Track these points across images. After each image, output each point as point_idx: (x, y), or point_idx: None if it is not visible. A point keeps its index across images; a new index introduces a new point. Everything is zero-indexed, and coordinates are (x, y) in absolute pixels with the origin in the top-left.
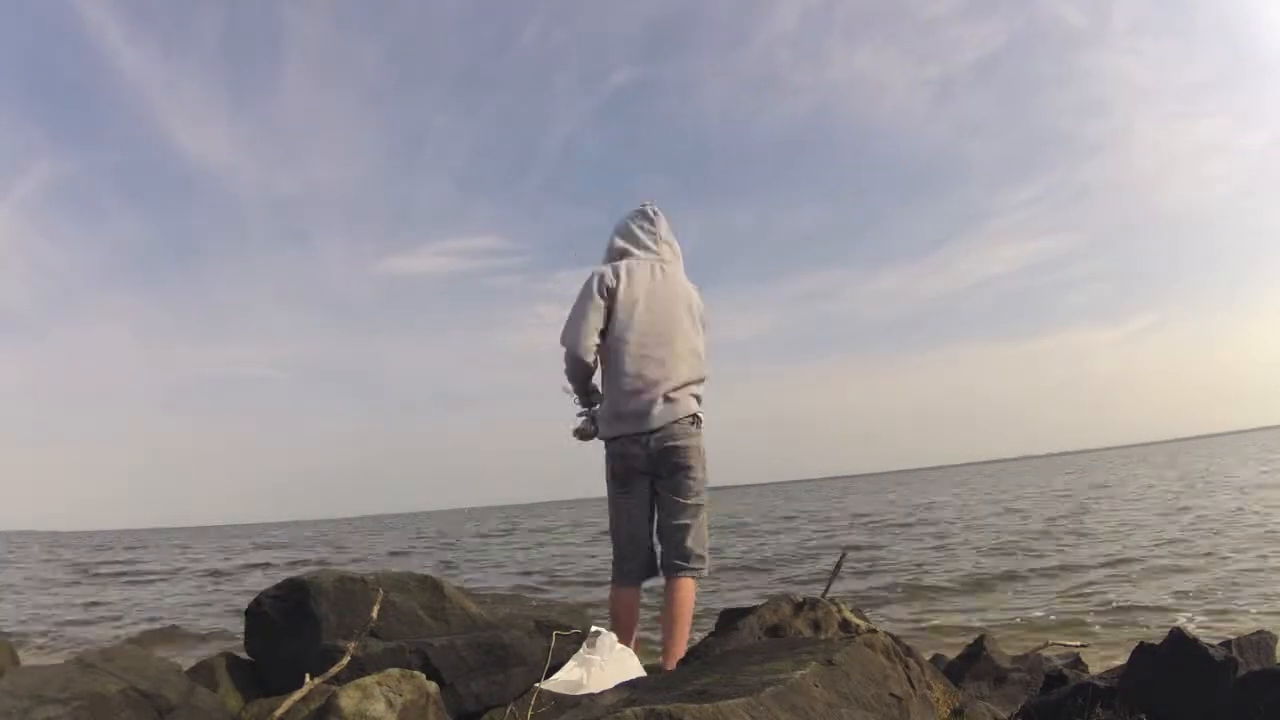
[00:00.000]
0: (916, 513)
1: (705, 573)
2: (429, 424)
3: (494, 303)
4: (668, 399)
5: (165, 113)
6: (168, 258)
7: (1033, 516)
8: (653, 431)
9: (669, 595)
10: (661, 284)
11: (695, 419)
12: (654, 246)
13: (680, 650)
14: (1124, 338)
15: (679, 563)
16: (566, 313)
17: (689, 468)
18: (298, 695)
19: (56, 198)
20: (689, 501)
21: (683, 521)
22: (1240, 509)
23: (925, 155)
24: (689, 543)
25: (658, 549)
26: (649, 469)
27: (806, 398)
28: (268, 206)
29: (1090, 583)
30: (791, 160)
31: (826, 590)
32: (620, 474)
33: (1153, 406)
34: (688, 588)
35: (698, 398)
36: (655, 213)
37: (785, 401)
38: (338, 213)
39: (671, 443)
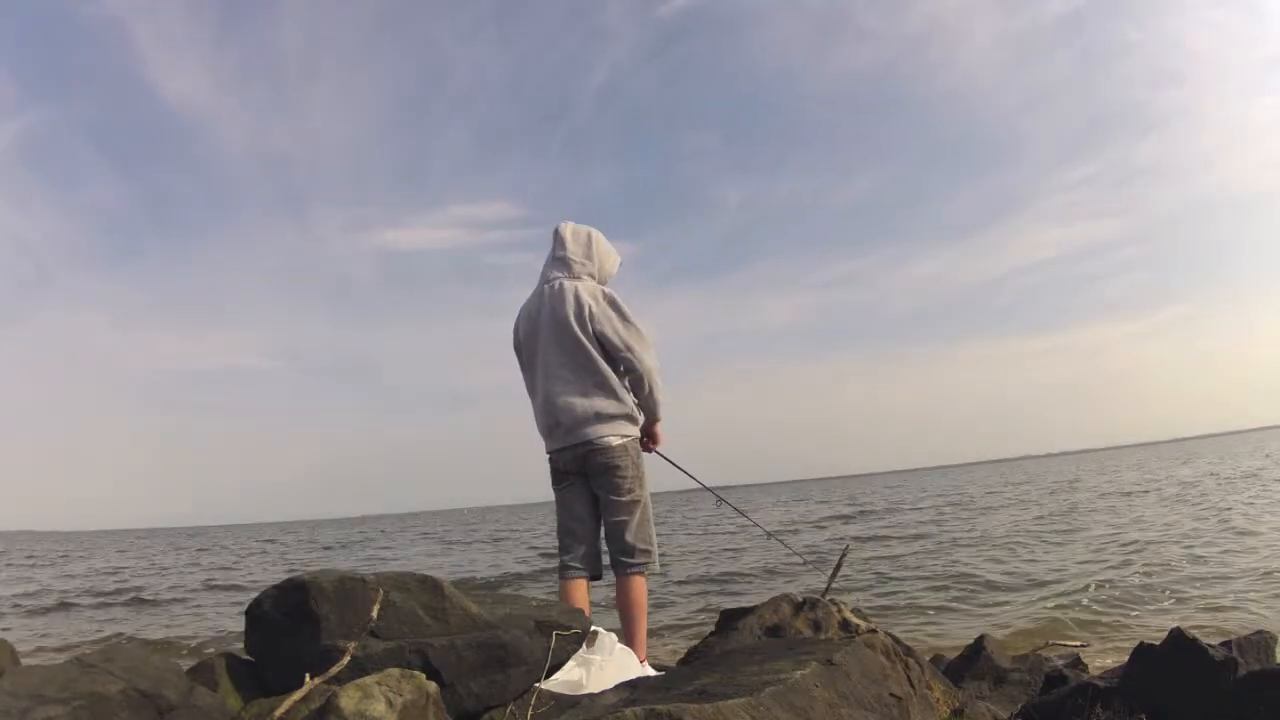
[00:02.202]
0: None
1: (653, 568)
2: (429, 421)
3: (502, 284)
4: (575, 421)
5: (142, 46)
6: (149, 228)
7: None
8: (569, 448)
9: (618, 594)
10: (546, 310)
11: (612, 423)
12: (549, 272)
13: (642, 644)
14: (1155, 329)
15: (623, 559)
16: None
17: (616, 466)
18: (298, 695)
19: (25, 157)
20: (622, 499)
21: (619, 518)
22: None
23: (989, 124)
24: (628, 538)
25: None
26: (579, 470)
27: (822, 395)
28: (259, 163)
29: (1089, 584)
30: (847, 121)
31: (827, 590)
32: (556, 472)
33: (1184, 401)
34: (634, 584)
35: (610, 409)
36: (557, 231)
37: (801, 399)
38: (338, 170)
39: (589, 449)
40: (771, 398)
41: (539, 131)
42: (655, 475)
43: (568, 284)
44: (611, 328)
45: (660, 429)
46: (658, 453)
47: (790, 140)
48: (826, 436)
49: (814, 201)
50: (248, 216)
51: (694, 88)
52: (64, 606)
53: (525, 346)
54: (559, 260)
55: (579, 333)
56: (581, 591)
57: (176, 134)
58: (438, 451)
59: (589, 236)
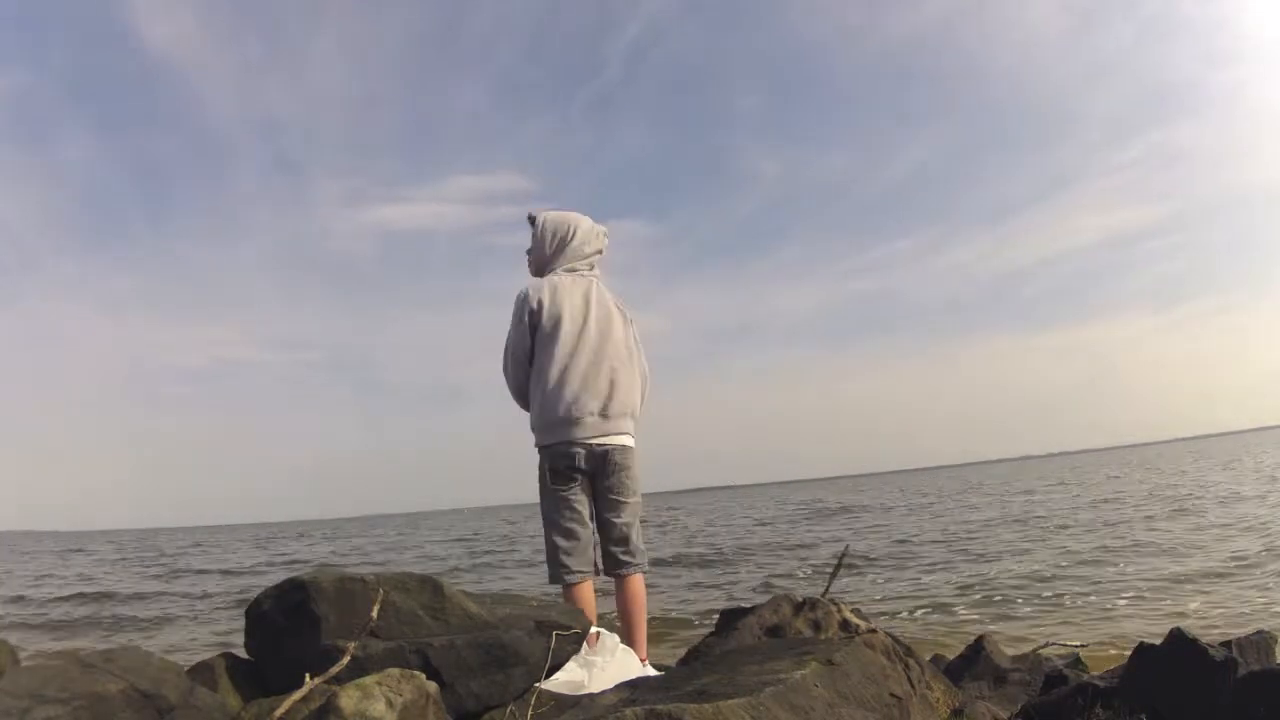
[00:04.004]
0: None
1: (647, 567)
2: (429, 417)
3: (509, 268)
4: (605, 416)
5: None
6: (133, 200)
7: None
8: (590, 441)
9: (624, 593)
10: (596, 307)
11: (635, 426)
12: (580, 263)
13: (643, 644)
14: (1182, 322)
15: (626, 559)
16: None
17: (629, 467)
18: (298, 695)
19: None
20: (630, 500)
21: (626, 519)
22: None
23: (1044, 97)
24: (634, 537)
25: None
26: (588, 469)
27: (827, 394)
28: (251, 124)
29: (1088, 584)
30: (900, 89)
31: (826, 590)
32: (561, 472)
33: (1204, 398)
34: (636, 584)
35: (639, 411)
36: (582, 223)
37: (809, 396)
38: (340, 134)
39: (608, 448)
40: (782, 394)
41: (561, 92)
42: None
43: (602, 286)
44: (634, 331)
45: None
46: None
47: (837, 107)
48: (823, 436)
49: (853, 179)
50: (236, 188)
51: (736, 46)
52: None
53: (561, 334)
54: (595, 256)
55: (624, 334)
56: (589, 592)
57: (160, 87)
58: (438, 450)
59: (600, 236)
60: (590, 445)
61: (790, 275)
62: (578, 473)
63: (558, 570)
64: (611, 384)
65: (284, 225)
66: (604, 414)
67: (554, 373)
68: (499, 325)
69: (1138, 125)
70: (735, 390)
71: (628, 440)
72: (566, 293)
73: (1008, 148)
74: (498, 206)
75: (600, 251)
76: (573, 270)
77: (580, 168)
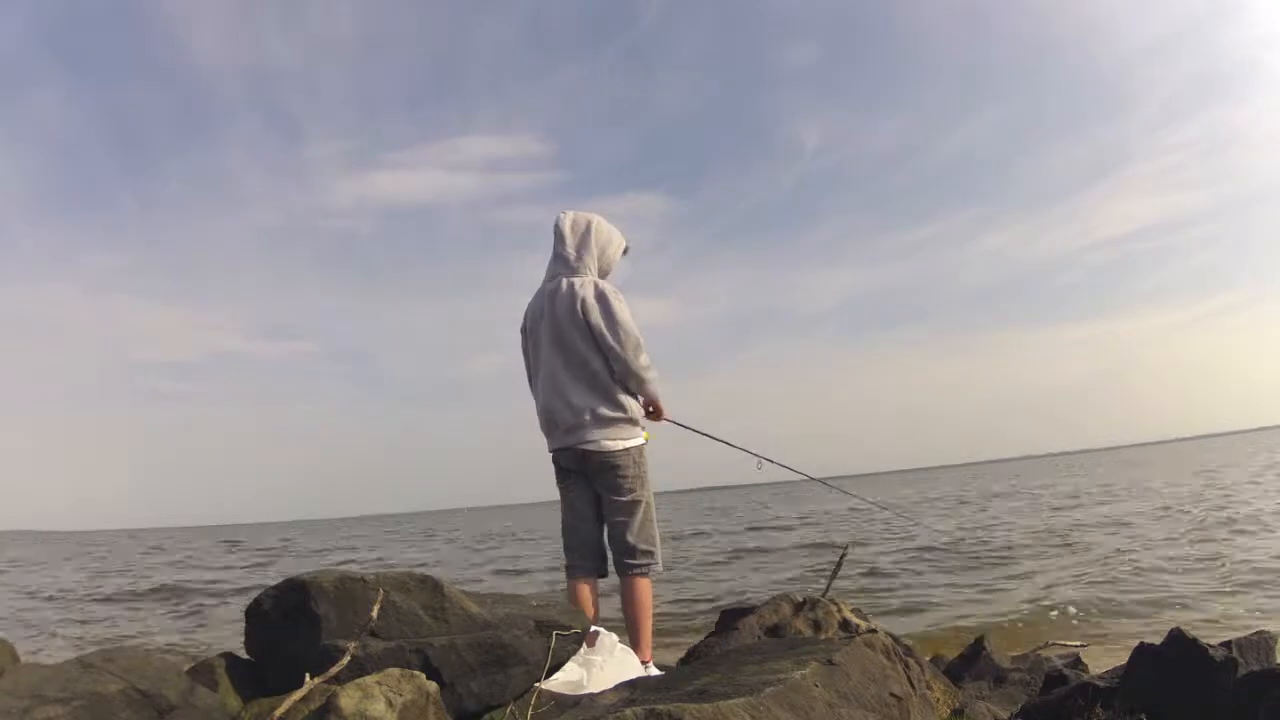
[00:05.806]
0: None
1: (657, 569)
2: (429, 414)
3: (520, 247)
4: (573, 423)
5: None
6: (113, 161)
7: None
8: (568, 448)
9: (622, 596)
10: (548, 310)
11: (610, 427)
12: (551, 268)
13: (646, 646)
14: (1213, 313)
15: (626, 561)
16: None
17: (615, 466)
18: (298, 695)
19: None
20: (623, 499)
21: (620, 518)
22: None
23: (1108, 71)
24: (630, 539)
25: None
26: (578, 469)
27: (836, 391)
28: (242, 74)
29: (1085, 583)
30: (959, 54)
31: (826, 590)
32: (559, 471)
33: (1223, 395)
34: (638, 586)
35: (606, 411)
36: (556, 225)
37: (818, 393)
38: (342, 86)
39: (589, 449)
40: (790, 390)
41: (590, 43)
42: (667, 472)
43: (565, 282)
44: (599, 325)
45: (661, 402)
46: (670, 421)
47: (895, 68)
48: (823, 434)
49: (901, 152)
50: (226, 153)
51: None
52: None
53: (530, 345)
54: (559, 257)
55: (574, 333)
56: (587, 591)
57: (137, 32)
58: (437, 448)
59: (588, 226)
60: (569, 452)
61: (821, 259)
62: (574, 472)
63: (566, 564)
64: (571, 391)
65: (278, 197)
66: (560, 427)
67: (532, 392)
68: (503, 314)
69: (1195, 104)
70: (751, 381)
71: (605, 443)
72: (531, 309)
73: (1065, 126)
74: (510, 175)
75: (560, 254)
76: (553, 274)
77: (605, 131)
